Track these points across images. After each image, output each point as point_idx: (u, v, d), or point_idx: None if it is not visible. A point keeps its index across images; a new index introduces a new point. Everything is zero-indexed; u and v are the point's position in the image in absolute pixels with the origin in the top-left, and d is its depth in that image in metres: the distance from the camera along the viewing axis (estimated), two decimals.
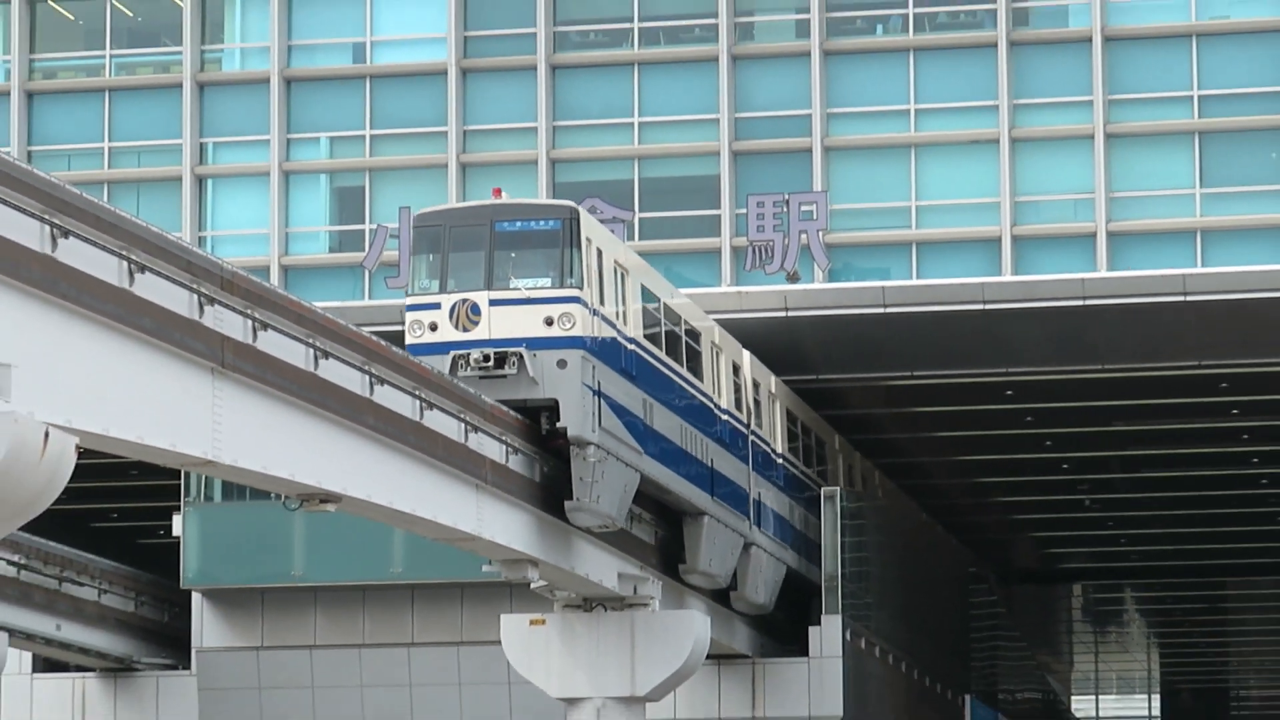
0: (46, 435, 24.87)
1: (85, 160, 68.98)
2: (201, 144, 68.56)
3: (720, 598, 59.07)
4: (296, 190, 68.40)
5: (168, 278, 28.28)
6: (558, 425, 37.65)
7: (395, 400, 34.10)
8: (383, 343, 35.12)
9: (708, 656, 55.38)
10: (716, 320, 58.64)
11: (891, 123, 70.35)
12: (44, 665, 62.90)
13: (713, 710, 60.61)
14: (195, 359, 29.40)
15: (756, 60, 70.28)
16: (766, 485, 53.84)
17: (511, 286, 38.20)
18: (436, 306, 38.12)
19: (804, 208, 64.20)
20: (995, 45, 68.52)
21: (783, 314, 61.52)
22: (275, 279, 63.26)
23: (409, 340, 38.20)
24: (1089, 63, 68.21)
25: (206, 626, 63.16)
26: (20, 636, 57.94)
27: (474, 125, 70.83)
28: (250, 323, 30.45)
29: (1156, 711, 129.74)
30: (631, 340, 42.06)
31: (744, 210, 66.41)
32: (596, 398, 38.56)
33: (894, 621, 71.73)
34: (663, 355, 44.90)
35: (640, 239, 64.89)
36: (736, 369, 52.67)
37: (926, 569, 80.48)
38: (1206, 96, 68.73)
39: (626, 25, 70.71)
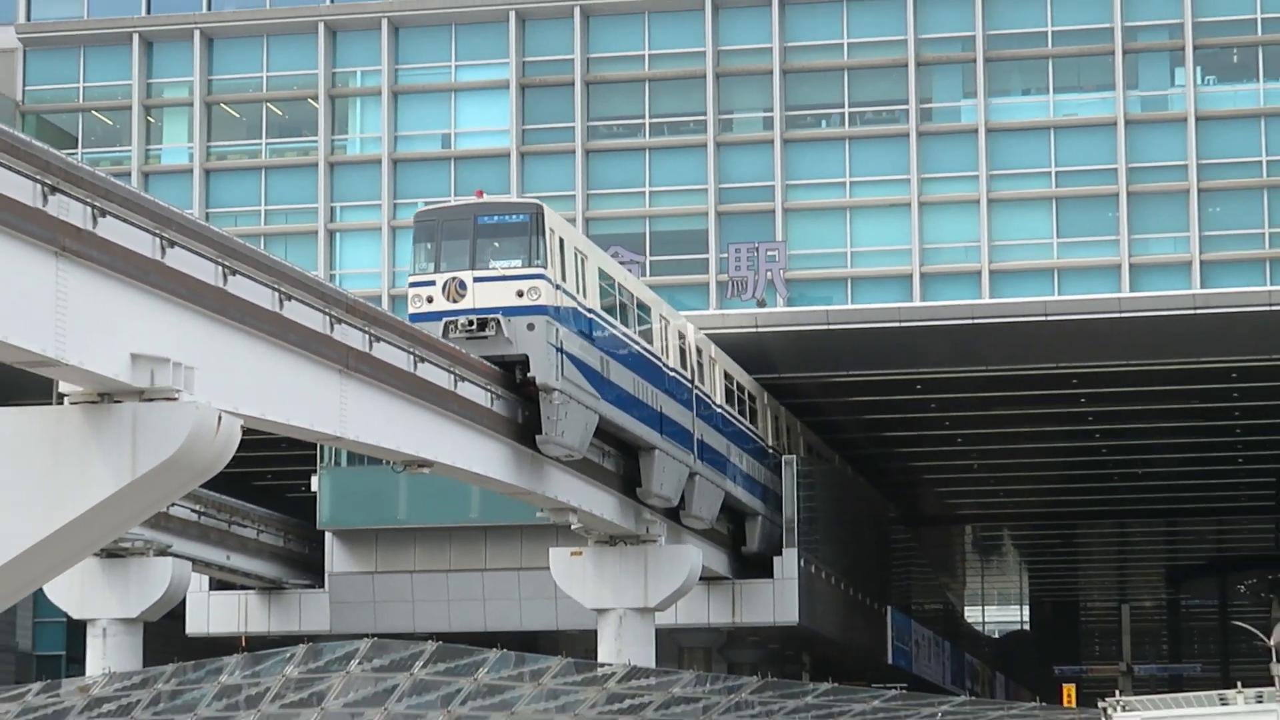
0: (219, 419, 26.98)
1: (248, 219, 69.62)
2: (331, 207, 69.37)
3: (710, 537, 59.04)
4: (400, 241, 67.50)
5: (306, 304, 29.95)
6: (529, 375, 36.70)
7: (472, 392, 34.62)
8: (457, 348, 35.50)
9: (700, 578, 56.53)
10: (707, 334, 59.97)
11: (833, 191, 69.97)
12: (217, 585, 64.84)
13: (703, 618, 61.92)
14: (327, 363, 30.91)
15: (734, 146, 70.00)
16: (707, 428, 52.18)
17: (490, 267, 37.44)
18: (432, 283, 37.19)
19: (769, 253, 64.90)
20: (908, 136, 68.60)
21: (754, 330, 62.72)
22: (385, 305, 61.83)
23: (410, 310, 37.53)
24: (975, 148, 68.25)
25: (336, 557, 65.03)
26: (200, 565, 61.04)
27: (530, 193, 67.97)
28: (368, 337, 31.57)
29: (1026, 618, 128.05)
30: (590, 310, 40.99)
31: (725, 255, 66.54)
32: (559, 353, 37.34)
33: (835, 553, 71.44)
34: (617, 323, 43.61)
35: (651, 275, 64.39)
36: (682, 337, 50.81)
37: (857, 514, 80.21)
38: (1061, 172, 68.75)
39: (639, 121, 70.72)
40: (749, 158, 69.69)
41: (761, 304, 64.95)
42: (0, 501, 27.11)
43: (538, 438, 37.30)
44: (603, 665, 52.25)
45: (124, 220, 26.40)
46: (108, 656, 59.74)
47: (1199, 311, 63.45)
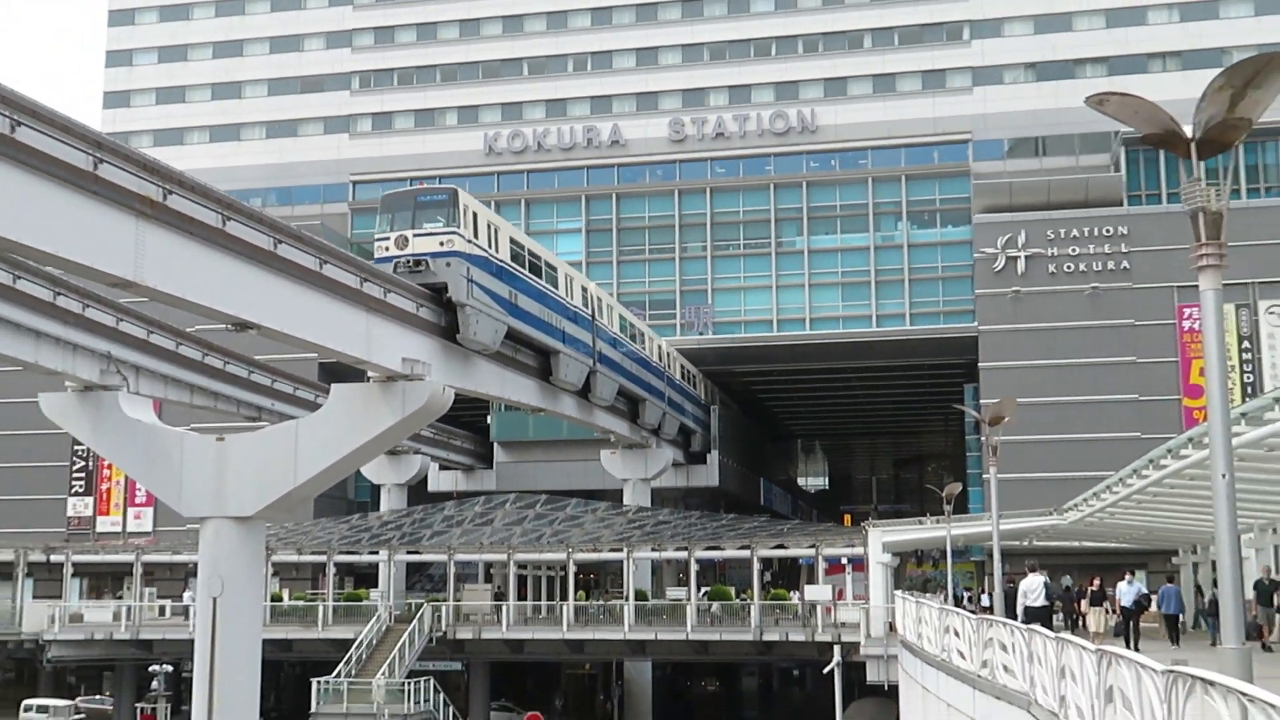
0: (443, 389, 32.49)
1: None
2: None
3: (674, 444, 66.64)
4: None
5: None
6: (448, 296, 35.69)
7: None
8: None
9: (673, 465, 66.37)
10: (679, 350, 67.73)
11: (736, 280, 73.24)
12: (443, 467, 72.20)
13: (673, 483, 69.75)
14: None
15: (688, 259, 73.84)
16: (604, 344, 50.66)
17: (424, 228, 36.22)
18: (388, 239, 36.18)
19: (704, 310, 72.96)
20: (770, 255, 72.16)
21: (696, 347, 70.62)
22: None
23: (376, 255, 36.41)
24: (803, 260, 71.69)
25: (498, 453, 74.09)
26: (434, 457, 69.35)
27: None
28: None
29: (827, 484, 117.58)
30: (500, 260, 39.29)
31: (684, 310, 72.99)
32: (469, 283, 36.01)
33: (735, 451, 78.05)
34: (525, 272, 41.80)
35: (649, 321, 67.60)
36: (585, 290, 49.59)
37: (746, 433, 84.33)
38: (845, 270, 71.76)
39: (641, 247, 74.98)
40: (695, 265, 73.70)
41: (700, 333, 71.61)
42: (346, 427, 31.75)
43: (458, 336, 36.01)
44: (625, 506, 61.94)
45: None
46: (389, 503, 67.52)
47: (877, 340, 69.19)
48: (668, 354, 63.32)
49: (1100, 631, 27.44)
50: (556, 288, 45.16)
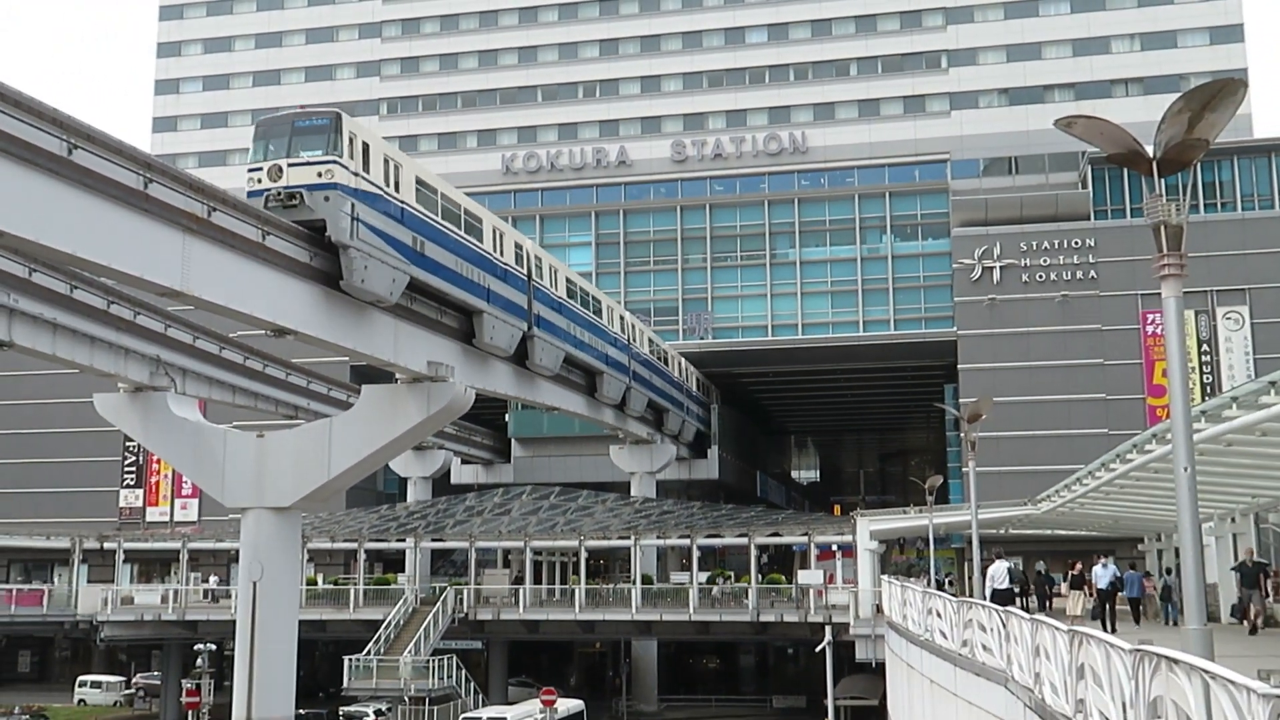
0: (465, 389, 32.17)
1: None
2: None
3: (676, 440, 65.88)
4: None
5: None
6: (327, 235, 29.02)
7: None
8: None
9: (676, 459, 67.05)
10: (682, 353, 67.10)
11: (733, 289, 71.86)
12: (464, 460, 72.14)
13: (676, 476, 69.63)
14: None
15: (689, 269, 72.63)
16: (546, 308, 41.70)
17: (300, 156, 29.23)
18: (261, 169, 29.32)
19: (704, 316, 72.01)
20: (765, 265, 71.05)
21: (697, 350, 70.37)
22: None
23: (247, 188, 29.47)
24: (795, 271, 70.64)
25: (515, 448, 74.20)
26: (456, 451, 69.30)
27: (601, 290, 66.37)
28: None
29: (818, 475, 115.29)
30: (403, 202, 31.30)
31: (687, 316, 71.88)
32: (355, 222, 29.02)
33: (733, 446, 77.31)
34: (437, 219, 33.27)
35: (654, 327, 67.76)
36: (519, 246, 40.26)
37: (742, 428, 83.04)
38: (834, 280, 70.38)
39: (647, 258, 73.63)
40: (696, 275, 72.66)
41: (701, 338, 71.53)
42: (375, 424, 31.56)
43: (341, 282, 28.94)
44: (632, 497, 61.86)
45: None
46: (415, 494, 67.55)
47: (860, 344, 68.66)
48: (632, 326, 55.64)
49: (1078, 614, 26.71)
50: (481, 241, 36.24)
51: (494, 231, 37.76)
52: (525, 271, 39.81)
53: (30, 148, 20.10)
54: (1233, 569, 25.85)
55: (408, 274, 31.04)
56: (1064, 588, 29.06)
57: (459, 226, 34.49)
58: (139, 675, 60.67)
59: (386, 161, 30.81)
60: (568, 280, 44.31)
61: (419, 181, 32.56)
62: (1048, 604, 31.58)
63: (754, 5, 76.33)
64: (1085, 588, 28.41)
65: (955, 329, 64.39)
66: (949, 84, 72.48)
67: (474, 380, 33.59)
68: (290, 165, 29.37)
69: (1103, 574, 26.32)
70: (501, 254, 37.82)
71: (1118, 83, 69.84)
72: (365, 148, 29.94)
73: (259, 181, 29.45)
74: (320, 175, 29.20)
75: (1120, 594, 26.86)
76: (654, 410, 61.63)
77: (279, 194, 29.06)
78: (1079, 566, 29.44)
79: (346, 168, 29.37)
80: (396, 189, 31.01)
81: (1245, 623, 23.48)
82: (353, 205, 29.20)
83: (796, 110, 73.78)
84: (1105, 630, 21.44)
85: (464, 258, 34.64)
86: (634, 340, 55.60)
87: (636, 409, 56.51)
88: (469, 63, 79.48)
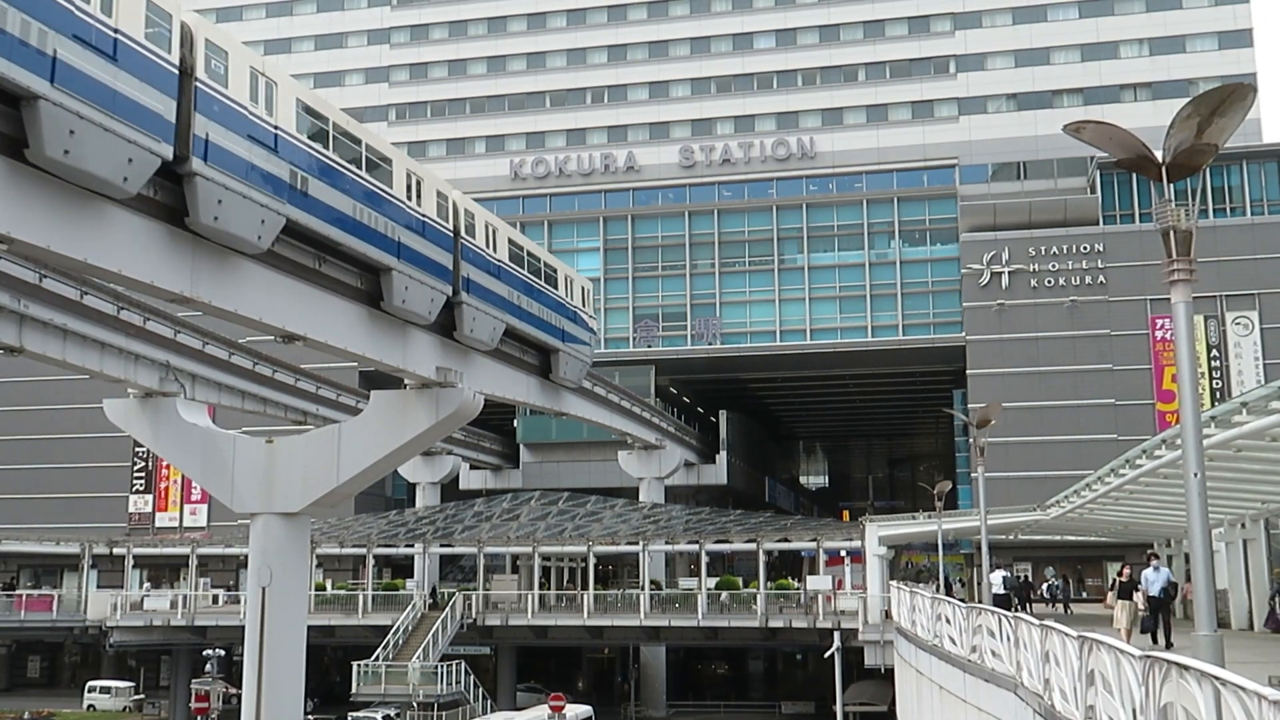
0: (474, 396, 31.37)
1: None
2: None
3: (685, 445, 67.31)
4: None
5: None
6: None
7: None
8: None
9: (685, 464, 67.30)
10: (690, 358, 68.91)
11: (741, 295, 71.74)
12: (473, 466, 72.73)
13: (685, 481, 69.18)
14: None
15: (697, 275, 72.50)
16: (478, 271, 33.64)
17: None
18: None
19: (712, 322, 71.79)
20: (773, 270, 70.69)
21: (705, 356, 71.04)
22: None
23: None
24: (803, 276, 70.20)
25: (524, 453, 74.19)
26: (465, 457, 69.96)
27: (609, 300, 71.68)
28: None
29: (827, 481, 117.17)
30: (278, 128, 24.40)
31: (695, 322, 71.60)
32: (204, 143, 21.95)
33: (742, 452, 78.25)
34: (329, 154, 26.33)
35: (662, 332, 70.87)
36: (444, 197, 32.27)
37: (750, 435, 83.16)
38: (843, 285, 70.18)
39: (654, 264, 73.82)
40: (704, 280, 72.67)
41: (709, 344, 71.60)
42: (384, 430, 30.85)
43: (186, 219, 22.27)
44: (641, 503, 62.18)
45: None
46: (424, 500, 68.45)
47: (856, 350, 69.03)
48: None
49: (1126, 627, 21.98)
50: (390, 186, 29.24)
51: (408, 175, 30.52)
52: (452, 227, 32.86)
53: None
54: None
55: (283, 216, 24.56)
56: (1110, 597, 24.21)
57: (360, 167, 27.96)
58: (194, 680, 52.28)
59: (254, 76, 24.10)
60: (511, 242, 36.62)
61: (304, 106, 25.83)
62: (1028, 606, 31.21)
63: (762, 11, 76.46)
64: (1135, 595, 23.23)
65: (964, 334, 64.43)
66: (957, 89, 72.27)
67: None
68: None
69: (1155, 579, 22.53)
70: (419, 203, 30.98)
71: (1126, 88, 69.62)
72: (227, 58, 23.29)
73: None
74: None
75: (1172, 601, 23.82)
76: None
77: None
78: (1127, 571, 24.17)
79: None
80: (271, 113, 24.67)
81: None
82: (205, 124, 22.38)
83: (805, 115, 73.67)
84: (1156, 644, 19.66)
85: (367, 204, 28.06)
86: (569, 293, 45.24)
87: (571, 376, 43.72)
88: (478, 69, 79.52)
